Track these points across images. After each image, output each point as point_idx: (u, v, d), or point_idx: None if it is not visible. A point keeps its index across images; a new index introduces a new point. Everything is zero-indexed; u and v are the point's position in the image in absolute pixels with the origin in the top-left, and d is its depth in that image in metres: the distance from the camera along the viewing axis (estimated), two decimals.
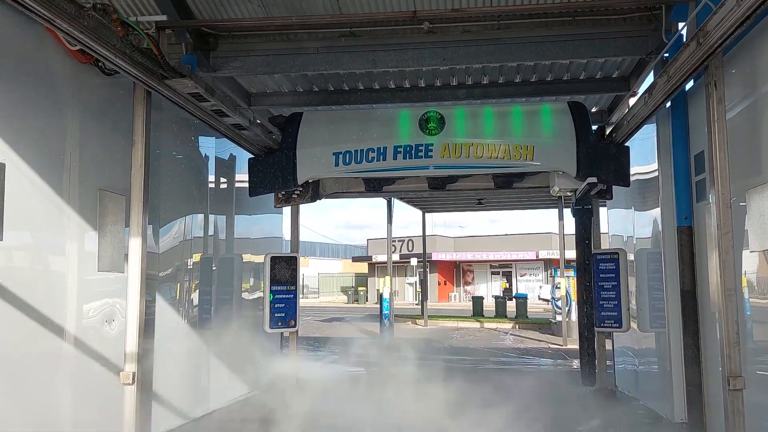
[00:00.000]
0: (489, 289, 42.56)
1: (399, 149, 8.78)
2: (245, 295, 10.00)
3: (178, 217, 7.94)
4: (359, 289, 45.87)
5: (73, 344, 5.94)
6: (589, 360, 9.70)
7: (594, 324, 9.40)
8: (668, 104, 7.41)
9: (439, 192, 10.85)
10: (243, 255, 9.98)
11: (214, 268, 8.83)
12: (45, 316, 5.61)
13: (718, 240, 5.44)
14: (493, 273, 44.13)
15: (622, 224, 10.21)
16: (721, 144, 5.45)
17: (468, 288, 44.35)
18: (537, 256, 39.61)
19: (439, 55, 8.02)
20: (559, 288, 18.68)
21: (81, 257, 6.10)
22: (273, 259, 9.48)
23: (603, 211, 11.09)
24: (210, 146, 8.90)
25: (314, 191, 9.72)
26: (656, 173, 7.98)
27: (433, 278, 41.40)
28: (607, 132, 9.15)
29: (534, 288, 38.03)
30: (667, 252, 7.54)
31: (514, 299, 27.89)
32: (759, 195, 5.59)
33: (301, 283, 12.01)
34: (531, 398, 7.90)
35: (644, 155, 8.61)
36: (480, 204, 17.66)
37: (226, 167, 9.52)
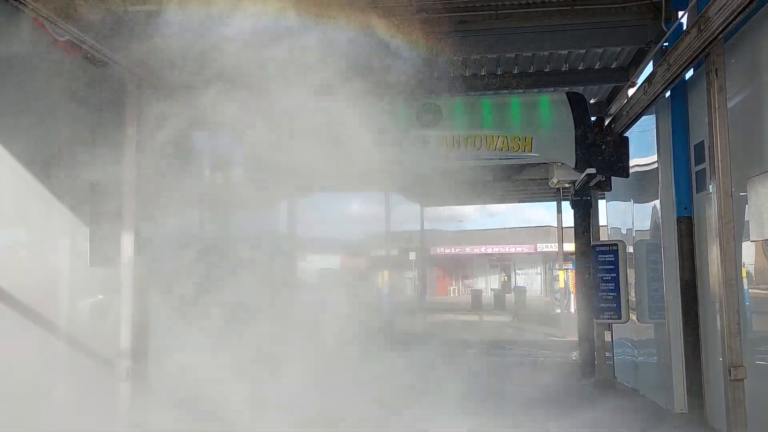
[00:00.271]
0: (488, 282, 42.54)
1: (397, 141, 8.70)
2: None
3: None
4: (358, 283, 45.78)
5: (66, 340, 5.87)
6: (589, 351, 9.65)
7: (593, 316, 9.34)
8: (668, 94, 7.33)
9: (437, 185, 10.76)
10: None
11: None
12: (36, 312, 5.54)
13: (719, 230, 5.37)
14: (491, 266, 44.10)
15: (621, 216, 10.15)
16: (722, 133, 5.36)
17: (467, 281, 44.31)
18: (535, 249, 39.57)
19: (435, 46, 7.92)
20: (558, 280, 18.64)
21: (73, 253, 6.03)
22: None
23: (602, 204, 11.02)
24: None
25: None
26: (655, 164, 7.91)
27: (431, 272, 41.33)
28: (606, 123, 9.08)
29: (533, 281, 38.12)
30: (667, 243, 7.48)
31: (512, 292, 27.87)
32: (760, 184, 5.51)
33: None
34: (530, 390, 7.86)
35: (643, 147, 8.54)
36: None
37: None
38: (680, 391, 7.12)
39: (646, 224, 8.53)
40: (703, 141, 6.65)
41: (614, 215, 10.76)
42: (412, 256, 37.76)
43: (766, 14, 5.34)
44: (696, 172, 7.01)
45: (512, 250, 41.01)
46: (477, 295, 27.98)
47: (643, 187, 8.72)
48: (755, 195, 5.59)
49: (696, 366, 6.82)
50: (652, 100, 7.20)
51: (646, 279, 8.62)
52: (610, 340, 10.04)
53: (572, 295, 18.21)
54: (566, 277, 18.17)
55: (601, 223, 10.77)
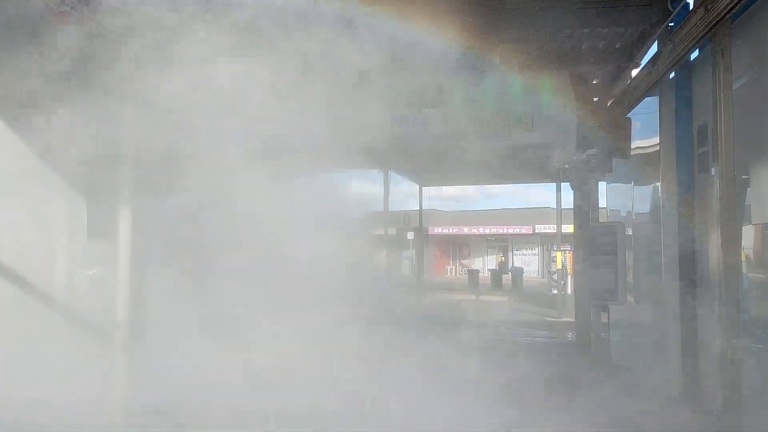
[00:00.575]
0: (485, 262, 42.61)
1: (397, 119, 8.64)
2: None
3: None
4: (356, 262, 45.79)
5: (63, 312, 5.87)
6: (585, 332, 9.67)
7: (590, 297, 9.35)
8: (672, 75, 7.26)
9: (436, 164, 10.72)
10: None
11: None
12: (33, 285, 5.52)
13: (720, 212, 5.34)
14: (489, 247, 44.16)
15: (621, 198, 10.13)
16: (727, 114, 5.31)
17: (464, 262, 44.38)
18: (534, 231, 39.61)
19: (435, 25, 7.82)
20: (555, 261, 18.67)
21: (71, 225, 6.00)
22: None
23: (602, 187, 10.99)
24: None
25: None
26: (657, 146, 7.86)
27: (429, 252, 41.38)
28: (608, 104, 9.01)
29: (530, 262, 38.21)
30: (667, 225, 7.45)
31: (509, 273, 27.94)
32: (762, 166, 5.49)
33: None
34: (526, 370, 7.87)
35: (645, 129, 8.50)
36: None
37: None
38: (676, 373, 7.14)
39: (647, 206, 8.51)
40: (706, 123, 6.60)
41: (614, 197, 10.74)
42: (410, 235, 37.87)
43: None
44: (699, 154, 6.97)
45: (510, 230, 41.04)
46: (474, 275, 28.04)
47: (645, 170, 8.69)
48: (757, 178, 5.56)
49: (692, 348, 6.83)
50: (656, 81, 7.14)
51: (645, 261, 8.62)
52: (606, 321, 10.06)
53: (569, 276, 18.25)
54: (564, 258, 18.18)
55: (600, 206, 10.75)
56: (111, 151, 6.18)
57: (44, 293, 5.71)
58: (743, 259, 5.91)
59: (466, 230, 42.43)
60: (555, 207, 18.62)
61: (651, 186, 8.36)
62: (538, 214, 39.37)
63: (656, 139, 7.96)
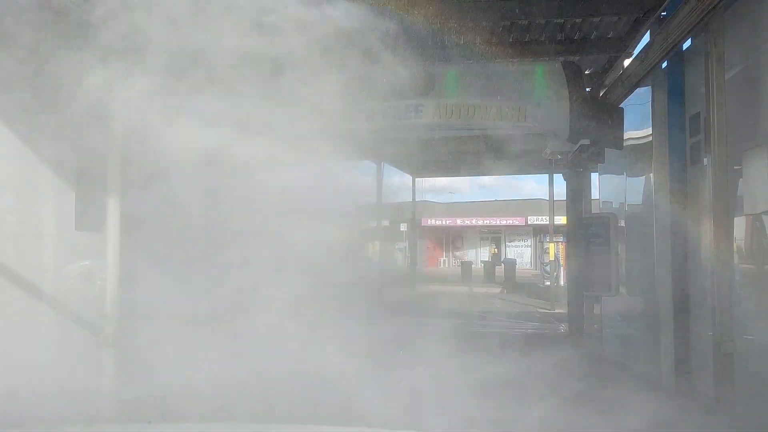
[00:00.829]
0: (478, 254, 42.65)
1: (389, 109, 8.56)
2: None
3: None
4: (350, 254, 45.72)
5: (51, 305, 5.80)
6: (578, 324, 9.66)
7: (583, 288, 9.34)
8: (664, 65, 7.23)
9: (429, 155, 10.67)
10: None
11: None
12: (20, 277, 5.46)
13: (713, 203, 5.32)
14: (482, 239, 44.20)
15: (614, 190, 10.10)
16: (720, 104, 5.28)
17: (457, 253, 44.41)
18: (526, 222, 39.66)
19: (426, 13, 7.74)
20: (548, 253, 18.67)
21: (58, 216, 5.93)
22: None
23: (594, 178, 10.98)
24: None
25: None
26: (650, 137, 7.83)
27: (422, 244, 41.38)
28: (601, 94, 8.97)
29: (523, 253, 38.27)
30: (659, 216, 7.43)
31: (502, 264, 27.95)
32: (754, 157, 5.46)
33: None
34: (517, 362, 7.84)
35: (637, 120, 8.46)
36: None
37: None
38: (669, 365, 7.13)
39: (639, 198, 8.48)
40: (698, 113, 6.57)
41: (606, 189, 10.71)
42: (403, 227, 37.84)
43: None
44: (691, 145, 6.94)
45: (503, 222, 41.07)
46: (467, 266, 28.04)
47: (637, 161, 8.66)
48: (749, 168, 5.54)
49: (685, 340, 6.82)
50: (649, 71, 7.10)
51: (638, 253, 8.60)
52: (599, 313, 10.07)
53: (562, 268, 18.27)
54: (557, 249, 18.18)
55: (592, 197, 10.74)
56: (99, 141, 6.11)
57: (31, 284, 5.64)
58: (735, 249, 5.89)
59: (459, 222, 42.45)
60: (547, 198, 18.62)
61: (643, 177, 8.33)
62: (530, 205, 39.40)
63: (649, 130, 7.93)
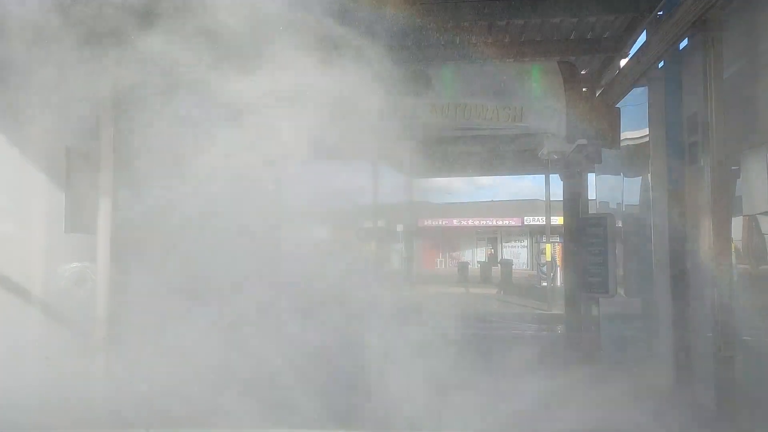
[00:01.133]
0: (474, 255, 42.58)
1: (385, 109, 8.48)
2: None
3: None
4: (347, 255, 45.59)
5: (40, 308, 5.72)
6: (575, 325, 9.60)
7: (580, 289, 9.27)
8: (661, 64, 7.17)
9: (425, 156, 10.61)
10: None
11: None
12: (8, 279, 5.38)
13: (712, 204, 5.26)
14: (479, 239, 44.13)
15: (610, 190, 10.06)
16: (718, 103, 5.23)
17: (454, 254, 44.34)
18: (522, 223, 39.61)
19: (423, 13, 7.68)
20: (545, 253, 18.63)
21: (47, 218, 5.84)
22: None
23: (590, 179, 10.92)
24: None
25: None
26: (646, 138, 7.78)
27: (419, 244, 41.28)
28: (597, 94, 8.92)
29: (519, 254, 38.24)
30: (657, 217, 7.38)
31: (499, 265, 27.91)
32: (753, 157, 5.40)
33: None
34: (516, 364, 7.77)
35: (634, 121, 8.42)
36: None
37: None
38: (668, 367, 7.06)
39: (636, 198, 8.44)
40: (696, 113, 6.52)
41: (603, 189, 10.67)
42: (400, 228, 37.76)
43: None
44: (689, 145, 6.89)
45: (499, 223, 41.02)
46: (463, 267, 28.00)
47: (634, 161, 8.62)
48: (748, 168, 5.48)
49: (684, 341, 6.76)
50: (645, 71, 7.05)
51: (635, 253, 8.55)
52: (597, 314, 9.99)
53: (559, 269, 18.23)
54: (553, 250, 18.14)
55: (589, 198, 10.68)
56: (91, 143, 6.03)
57: (20, 287, 5.57)
58: (732, 250, 5.84)
59: (455, 222, 42.38)
60: (543, 199, 18.58)
61: (641, 177, 8.28)
62: (526, 206, 39.34)
63: (645, 130, 7.88)
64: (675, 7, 5.81)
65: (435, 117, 8.45)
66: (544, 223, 18.97)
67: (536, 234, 35.83)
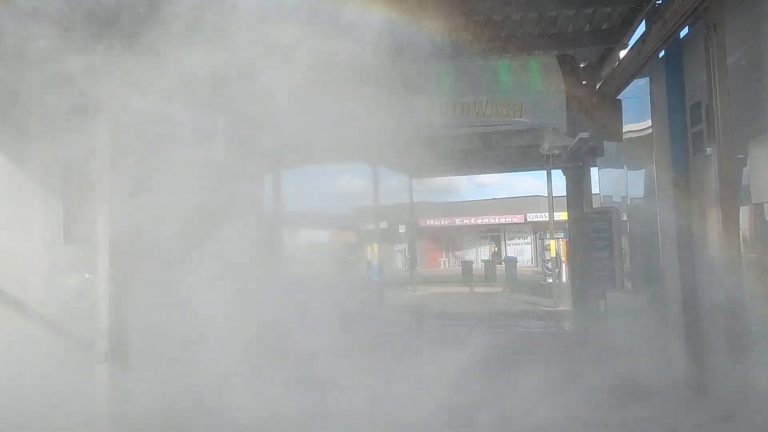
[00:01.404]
0: (478, 253, 42.48)
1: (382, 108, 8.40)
2: None
3: None
4: (348, 257, 45.50)
5: (38, 321, 5.63)
6: (583, 321, 9.50)
7: (587, 285, 9.17)
8: (662, 53, 7.07)
9: (425, 155, 10.51)
10: None
11: None
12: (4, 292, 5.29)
13: (720, 193, 5.16)
14: (482, 238, 44.03)
15: (614, 184, 9.95)
16: (722, 91, 5.13)
17: (457, 253, 44.25)
18: (525, 220, 39.51)
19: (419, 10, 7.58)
20: (549, 249, 18.52)
21: (45, 229, 5.76)
22: None
23: (593, 173, 10.83)
24: None
25: None
26: (649, 129, 7.68)
27: (422, 245, 41.22)
28: (598, 86, 8.82)
29: (523, 251, 38.17)
30: (663, 208, 7.27)
31: (503, 263, 27.80)
32: (760, 144, 5.30)
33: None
34: (524, 361, 7.70)
35: (635, 113, 8.32)
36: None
37: None
38: (679, 360, 6.95)
39: (641, 190, 8.33)
40: (699, 101, 6.42)
41: (606, 183, 10.56)
42: (402, 228, 37.70)
43: None
44: (692, 134, 6.78)
45: (502, 220, 40.93)
46: (467, 266, 27.89)
47: (637, 152, 8.51)
48: (755, 156, 5.38)
49: (695, 334, 6.64)
50: (646, 60, 6.94)
51: (642, 246, 8.44)
52: (604, 309, 9.89)
53: (564, 265, 18.12)
54: (557, 246, 18.02)
55: (592, 192, 10.60)
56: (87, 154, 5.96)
57: (20, 301, 5.48)
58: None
59: (458, 221, 42.29)
60: (545, 195, 18.46)
61: (644, 169, 8.17)
62: (528, 202, 39.28)
63: (647, 122, 7.78)
64: None
65: (433, 115, 8.36)
66: (548, 219, 18.85)
67: (540, 230, 35.71)
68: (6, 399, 5.26)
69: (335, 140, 8.95)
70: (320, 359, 7.69)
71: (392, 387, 6.55)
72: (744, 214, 5.64)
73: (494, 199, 43.27)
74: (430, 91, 8.38)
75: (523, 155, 15.07)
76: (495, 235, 43.47)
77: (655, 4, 7.12)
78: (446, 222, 42.64)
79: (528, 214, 39.01)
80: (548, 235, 19.63)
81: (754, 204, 5.61)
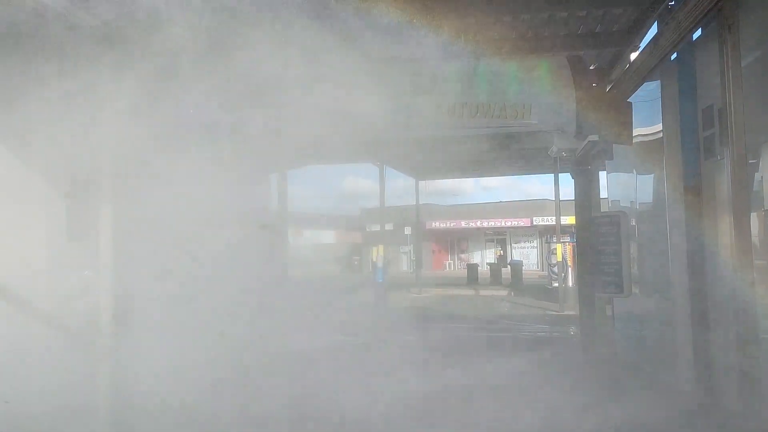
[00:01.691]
0: (484, 256, 42.38)
1: (389, 109, 8.32)
2: None
3: None
4: (353, 258, 45.47)
5: (43, 318, 5.59)
6: (589, 326, 9.39)
7: (594, 289, 9.06)
8: (674, 56, 6.97)
9: (432, 156, 10.45)
10: None
11: None
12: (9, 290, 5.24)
13: (732, 199, 5.05)
14: (487, 241, 43.93)
15: (623, 188, 9.84)
16: (737, 94, 5.02)
17: (463, 256, 44.15)
18: (532, 223, 39.39)
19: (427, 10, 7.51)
20: (555, 253, 18.41)
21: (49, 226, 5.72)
22: None
23: (602, 177, 10.71)
24: None
25: None
26: (660, 133, 7.58)
27: (427, 247, 41.13)
28: (608, 89, 8.72)
29: (529, 255, 38.03)
30: (673, 214, 7.16)
31: (509, 266, 27.69)
32: None
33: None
34: (531, 367, 7.63)
35: (646, 117, 8.21)
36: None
37: None
38: (687, 368, 6.84)
39: (650, 195, 8.23)
40: (712, 105, 6.31)
41: (615, 187, 10.45)
42: (408, 230, 37.64)
43: None
44: (704, 138, 6.67)
45: (508, 223, 40.81)
46: (473, 269, 27.79)
47: (647, 157, 8.40)
48: None
49: (704, 341, 6.53)
50: (658, 62, 6.84)
51: (650, 252, 8.33)
52: (611, 314, 9.78)
53: (570, 269, 18.01)
54: (564, 250, 17.91)
55: (600, 196, 10.48)
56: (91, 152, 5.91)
57: (23, 298, 5.44)
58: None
59: (463, 224, 42.20)
60: (552, 198, 18.39)
61: (654, 174, 8.07)
62: (535, 205, 39.19)
63: (658, 126, 7.68)
64: None
65: (441, 116, 8.28)
66: (554, 222, 18.75)
67: (546, 234, 35.58)
68: (6, 398, 5.22)
69: (342, 140, 8.90)
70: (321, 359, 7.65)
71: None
72: (754, 220, 5.55)
73: (501, 202, 43.20)
74: (437, 91, 8.30)
75: (530, 158, 14.99)
76: (501, 238, 43.36)
77: (668, 5, 7.02)
78: (452, 224, 42.56)
79: (534, 218, 38.90)
80: (554, 239, 19.51)
81: (765, 210, 5.52)
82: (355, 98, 8.33)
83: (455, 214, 43.16)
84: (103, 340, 5.60)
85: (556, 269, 18.58)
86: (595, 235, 8.93)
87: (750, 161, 5.43)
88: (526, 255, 40.30)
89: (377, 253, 19.05)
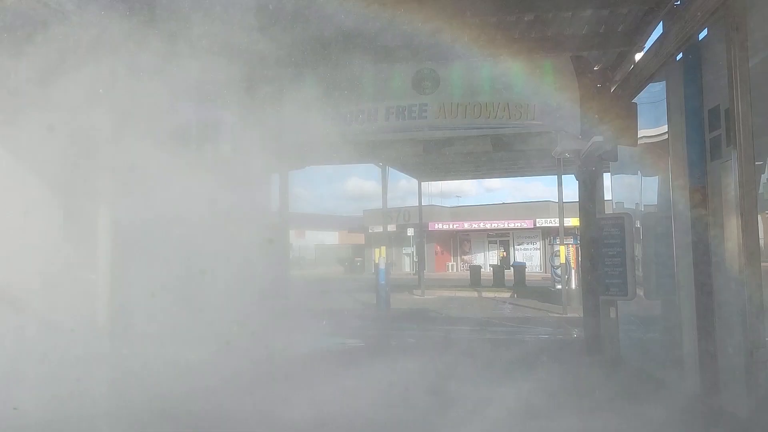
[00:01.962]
0: (486, 258, 42.30)
1: (392, 109, 8.28)
2: None
3: None
4: (356, 259, 45.46)
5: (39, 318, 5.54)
6: (593, 329, 9.32)
7: (598, 292, 8.98)
8: (680, 56, 6.89)
9: (435, 157, 10.39)
10: None
11: None
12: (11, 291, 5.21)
13: (740, 200, 4.97)
14: (490, 242, 43.85)
15: (627, 190, 9.76)
16: (744, 93, 4.95)
17: (465, 257, 44.07)
18: (534, 225, 39.31)
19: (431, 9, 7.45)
20: (558, 255, 18.32)
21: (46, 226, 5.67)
22: None
23: (606, 178, 10.65)
24: None
25: None
26: (665, 134, 7.49)
27: (430, 248, 41.06)
28: (613, 89, 8.65)
29: (532, 257, 37.93)
30: (678, 215, 7.08)
31: (512, 268, 27.60)
32: None
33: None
34: (534, 369, 7.55)
35: (651, 118, 8.13)
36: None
37: None
38: (693, 372, 6.74)
39: (655, 197, 8.14)
40: (718, 105, 6.23)
41: (619, 189, 10.37)
42: (410, 231, 37.58)
43: None
44: (710, 139, 6.58)
45: (511, 225, 40.73)
46: (476, 271, 27.70)
47: (652, 158, 8.31)
48: None
49: (710, 345, 6.44)
50: (663, 63, 6.77)
51: (655, 254, 8.25)
52: (615, 317, 9.70)
53: (573, 271, 17.92)
54: (567, 252, 17.82)
55: (605, 197, 10.41)
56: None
57: (21, 297, 5.40)
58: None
59: (466, 225, 42.13)
60: (555, 200, 18.28)
61: (659, 176, 7.99)
62: (538, 207, 39.13)
63: (663, 127, 7.59)
64: None
65: (444, 117, 8.23)
66: (557, 224, 18.66)
67: (549, 236, 35.49)
68: (5, 397, 5.19)
69: (344, 141, 8.84)
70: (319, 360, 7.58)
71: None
72: (761, 221, 5.47)
73: (504, 203, 43.12)
74: (440, 91, 8.25)
75: (534, 159, 14.92)
76: (504, 239, 43.28)
77: (674, 4, 6.94)
78: (455, 226, 42.51)
79: (537, 220, 38.82)
80: (558, 241, 19.42)
81: None
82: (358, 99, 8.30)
83: (458, 215, 43.11)
84: (102, 341, 5.55)
85: (559, 271, 18.50)
86: (599, 237, 8.85)
87: (757, 162, 5.36)
88: (529, 257, 40.20)
89: (380, 254, 18.99)
